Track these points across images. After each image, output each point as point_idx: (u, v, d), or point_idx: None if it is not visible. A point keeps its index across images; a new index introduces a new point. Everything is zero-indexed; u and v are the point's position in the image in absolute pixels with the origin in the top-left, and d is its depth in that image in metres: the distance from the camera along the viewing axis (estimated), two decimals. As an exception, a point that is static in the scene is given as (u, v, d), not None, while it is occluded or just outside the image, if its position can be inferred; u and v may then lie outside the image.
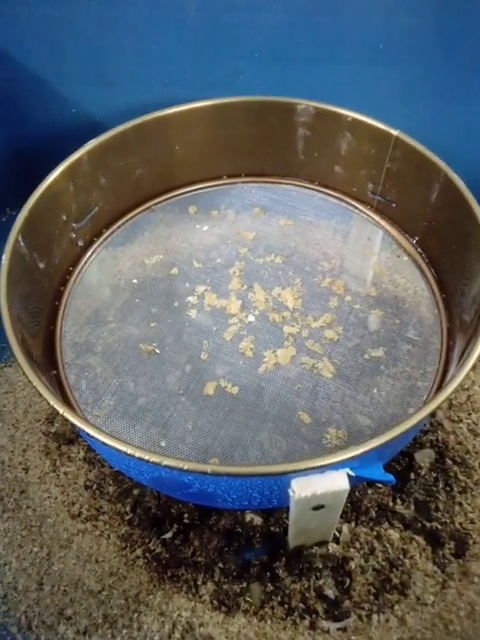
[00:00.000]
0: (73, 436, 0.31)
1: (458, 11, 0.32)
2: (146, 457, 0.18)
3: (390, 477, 0.22)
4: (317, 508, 0.21)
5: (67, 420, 0.20)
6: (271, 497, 0.21)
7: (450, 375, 0.26)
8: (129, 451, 0.18)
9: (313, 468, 0.18)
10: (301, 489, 0.19)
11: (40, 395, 0.21)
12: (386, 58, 0.34)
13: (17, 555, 0.28)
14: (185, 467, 0.18)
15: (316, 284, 0.30)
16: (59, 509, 0.29)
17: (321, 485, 0.19)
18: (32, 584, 0.28)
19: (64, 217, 0.28)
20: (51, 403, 0.20)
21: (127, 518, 0.29)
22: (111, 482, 0.30)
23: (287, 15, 0.33)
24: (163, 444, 0.24)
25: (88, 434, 0.19)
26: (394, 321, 0.29)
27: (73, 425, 0.25)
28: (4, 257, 0.23)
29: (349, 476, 0.20)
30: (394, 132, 0.28)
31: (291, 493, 0.19)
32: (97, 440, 0.19)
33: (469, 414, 0.33)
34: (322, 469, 0.19)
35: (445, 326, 0.29)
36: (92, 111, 0.38)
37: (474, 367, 0.34)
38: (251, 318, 0.28)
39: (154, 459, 0.18)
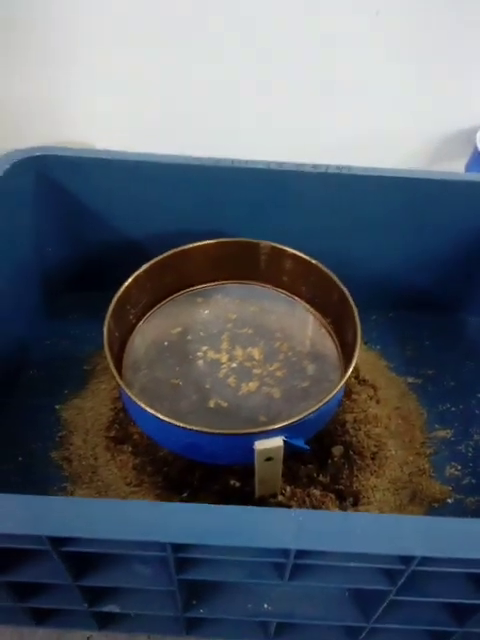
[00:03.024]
0: (124, 438, 0.50)
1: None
2: (176, 423, 0.38)
3: (307, 447, 0.42)
4: (268, 459, 0.40)
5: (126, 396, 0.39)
6: (244, 453, 0.41)
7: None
8: (168, 420, 0.38)
9: (265, 431, 0.38)
10: (260, 445, 0.39)
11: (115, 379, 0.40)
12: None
13: (92, 508, 0.46)
14: (194, 429, 0.37)
15: (272, 345, 0.51)
16: (118, 481, 0.47)
17: (269, 443, 0.39)
18: (101, 525, 0.46)
19: (128, 306, 0.49)
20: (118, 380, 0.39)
21: (159, 485, 0.47)
22: (149, 465, 0.48)
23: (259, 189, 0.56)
24: (186, 432, 0.44)
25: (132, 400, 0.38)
26: (316, 367, 0.50)
27: (127, 399, 0.43)
28: (105, 330, 0.43)
29: (284, 440, 0.39)
30: (313, 261, 0.51)
31: (255, 447, 0.39)
32: (138, 406, 0.38)
33: (365, 425, 0.53)
34: (270, 434, 0.39)
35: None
36: (131, 237, 0.61)
37: (373, 398, 0.56)
38: (234, 364, 0.49)
39: (182, 425, 0.38)
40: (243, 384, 0.47)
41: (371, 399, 0.55)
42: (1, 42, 0.69)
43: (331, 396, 0.41)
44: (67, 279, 0.64)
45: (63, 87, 0.74)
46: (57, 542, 0.27)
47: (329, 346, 0.51)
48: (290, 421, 0.39)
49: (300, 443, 0.41)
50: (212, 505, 0.27)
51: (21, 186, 0.54)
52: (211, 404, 0.46)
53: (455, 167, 0.81)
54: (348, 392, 0.55)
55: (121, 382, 0.40)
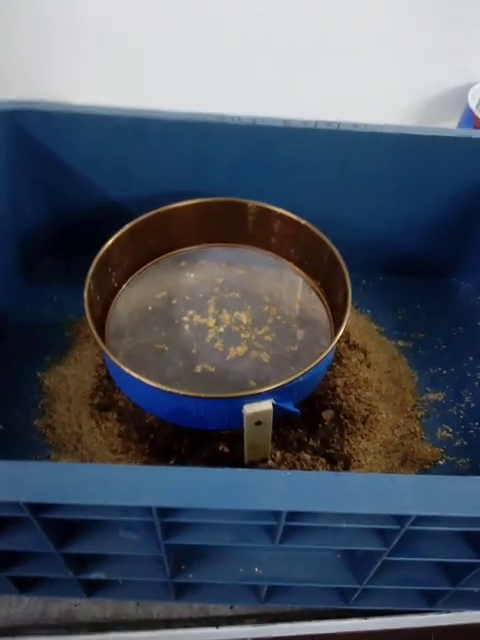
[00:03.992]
0: (109, 404, 0.49)
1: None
2: (163, 388, 0.36)
3: (296, 410, 0.41)
4: (257, 423, 0.39)
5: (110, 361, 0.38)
6: (232, 418, 0.39)
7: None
8: (155, 385, 0.36)
9: (255, 395, 0.37)
10: (249, 409, 0.37)
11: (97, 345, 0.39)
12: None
13: (77, 476, 0.45)
14: (181, 393, 0.36)
15: (260, 310, 0.49)
16: (103, 449, 0.46)
17: (258, 407, 0.38)
18: (87, 493, 0.45)
19: (109, 269, 0.47)
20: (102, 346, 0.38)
21: (146, 452, 0.46)
22: (135, 432, 0.47)
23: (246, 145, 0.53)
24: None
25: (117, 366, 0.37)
26: (306, 332, 0.48)
27: (112, 366, 0.41)
28: (85, 292, 0.41)
29: (273, 404, 0.38)
30: (302, 222, 0.49)
31: (244, 411, 0.37)
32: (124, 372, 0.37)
33: (356, 389, 0.52)
34: (259, 397, 0.37)
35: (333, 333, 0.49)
36: (114, 196, 0.58)
37: (363, 362, 0.55)
38: (221, 329, 0.47)
39: (168, 389, 0.36)
40: (231, 348, 0.46)
41: (361, 363, 0.54)
42: None
43: (321, 359, 0.39)
44: (46, 242, 0.61)
45: (40, 39, 0.69)
46: (37, 508, 0.26)
47: (319, 310, 0.50)
48: (279, 384, 0.37)
49: (290, 406, 0.40)
50: (199, 468, 0.26)
51: (-7, 143, 0.50)
52: (198, 369, 0.44)
53: (448, 126, 0.79)
54: (338, 356, 0.54)
55: (104, 347, 0.39)
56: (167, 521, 0.27)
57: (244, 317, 0.48)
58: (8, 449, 0.46)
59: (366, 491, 0.26)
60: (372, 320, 0.60)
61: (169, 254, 0.52)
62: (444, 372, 0.56)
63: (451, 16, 0.70)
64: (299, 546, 0.29)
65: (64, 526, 0.30)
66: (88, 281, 0.42)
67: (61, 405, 0.49)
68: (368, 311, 0.61)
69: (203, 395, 0.36)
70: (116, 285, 0.49)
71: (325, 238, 0.47)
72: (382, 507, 0.26)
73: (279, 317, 0.48)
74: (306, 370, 0.38)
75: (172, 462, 0.45)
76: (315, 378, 0.43)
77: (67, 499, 0.24)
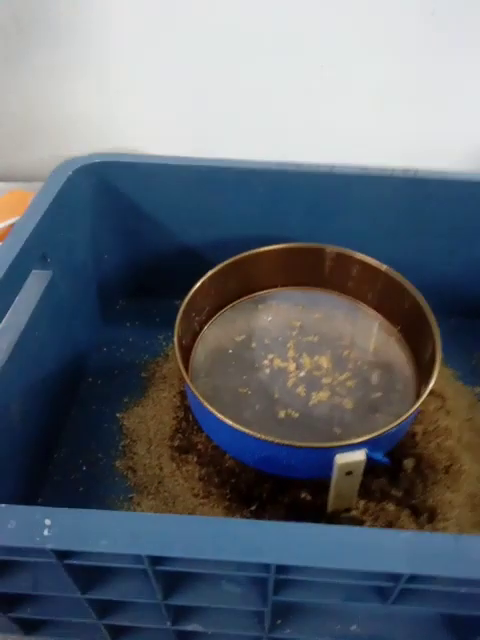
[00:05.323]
0: (189, 447, 0.49)
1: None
2: (257, 435, 0.36)
3: (387, 460, 0.40)
4: (348, 474, 0.38)
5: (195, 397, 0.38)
6: (322, 467, 0.39)
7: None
8: (250, 433, 0.37)
9: (349, 445, 0.37)
10: (341, 459, 0.37)
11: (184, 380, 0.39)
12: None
13: (159, 520, 0.45)
14: (275, 441, 0.36)
15: (339, 354, 0.49)
16: (185, 492, 0.46)
17: (351, 457, 0.37)
18: (169, 537, 0.45)
19: (193, 314, 0.48)
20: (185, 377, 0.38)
21: (227, 497, 0.46)
22: (215, 476, 0.47)
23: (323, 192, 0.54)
24: (258, 444, 0.43)
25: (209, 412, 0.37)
26: (386, 377, 0.48)
27: (200, 411, 0.42)
28: (175, 340, 0.43)
29: (366, 454, 0.38)
30: (383, 268, 0.49)
31: (336, 461, 0.37)
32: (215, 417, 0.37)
33: (437, 437, 0.51)
34: (351, 448, 0.37)
35: (416, 380, 0.48)
36: (191, 242, 0.60)
37: (442, 409, 0.54)
38: (302, 374, 0.47)
39: (263, 437, 0.36)
40: (313, 394, 0.46)
41: (440, 410, 0.53)
42: (45, 58, 0.69)
43: (414, 408, 0.39)
44: (123, 286, 0.64)
45: (108, 97, 0.74)
46: (155, 561, 0.26)
47: (398, 355, 0.49)
48: (374, 434, 0.37)
49: (380, 456, 0.39)
50: (318, 525, 0.25)
51: (81, 193, 0.53)
52: (282, 414, 0.44)
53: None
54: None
55: (196, 392, 0.39)
56: (281, 578, 0.27)
57: (324, 361, 0.48)
58: (92, 490, 0.47)
59: (491, 556, 0.25)
60: (447, 365, 0.59)
61: (246, 297, 0.53)
62: (526, 419, 0.54)
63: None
64: (411, 607, 0.28)
65: (171, 577, 0.30)
66: (177, 326, 0.43)
67: (141, 447, 0.50)
68: (443, 355, 0.60)
69: (298, 444, 0.36)
70: (197, 328, 0.50)
71: (408, 284, 0.47)
72: (508, 574, 0.25)
73: (359, 362, 0.48)
74: (401, 420, 0.38)
75: (253, 508, 0.45)
76: (404, 428, 0.42)
77: (191, 553, 0.25)
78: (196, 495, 0.46)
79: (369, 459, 0.38)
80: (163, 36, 0.68)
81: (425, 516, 0.45)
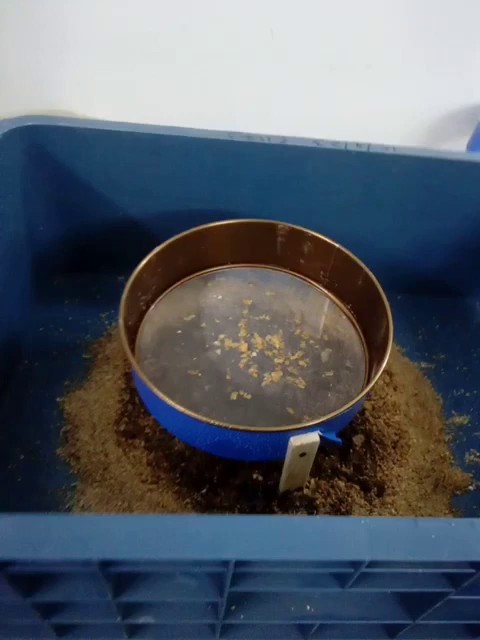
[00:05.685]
0: (135, 431, 0.47)
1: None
2: (209, 421, 0.35)
3: (339, 440, 0.40)
4: (302, 455, 0.38)
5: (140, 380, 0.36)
6: (276, 449, 0.38)
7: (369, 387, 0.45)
8: (203, 419, 0.35)
9: (303, 428, 0.36)
10: (296, 441, 0.36)
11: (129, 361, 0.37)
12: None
13: (107, 508, 0.43)
14: (230, 427, 0.35)
15: (291, 333, 0.48)
16: (133, 478, 0.44)
17: (305, 439, 0.37)
18: (117, 526, 0.43)
19: (139, 293, 0.45)
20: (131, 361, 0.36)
21: (177, 481, 0.44)
22: (164, 460, 0.45)
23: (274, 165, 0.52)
24: (210, 427, 0.41)
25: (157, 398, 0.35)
26: (337, 355, 0.48)
27: (149, 396, 0.40)
28: (120, 322, 0.40)
29: (319, 435, 0.37)
30: (336, 245, 0.48)
31: (290, 443, 0.36)
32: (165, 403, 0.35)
33: (385, 413, 0.52)
34: (305, 430, 0.36)
35: (367, 358, 0.48)
36: (133, 215, 0.56)
37: (390, 384, 0.54)
38: (254, 354, 0.46)
39: (216, 423, 0.35)
40: (266, 375, 0.45)
41: (388, 386, 0.54)
42: None
43: (366, 390, 0.39)
44: (60, 260, 0.59)
45: (54, 54, 0.67)
46: (105, 564, 0.24)
47: (349, 333, 0.49)
48: (328, 416, 0.37)
49: (333, 437, 0.39)
50: (276, 517, 0.24)
51: (10, 159, 0.48)
52: (234, 396, 0.43)
53: (457, 144, 0.80)
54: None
55: (143, 376, 0.37)
56: (240, 571, 0.25)
57: (276, 341, 0.47)
58: (31, 480, 0.44)
59: (447, 538, 0.25)
60: (394, 341, 0.60)
61: (196, 274, 0.51)
62: (467, 394, 0.56)
63: (461, 35, 0.71)
64: (369, 590, 0.28)
65: (121, 575, 0.28)
66: (122, 309, 0.40)
67: (85, 433, 0.47)
68: (389, 331, 0.61)
69: (253, 429, 0.35)
70: (144, 307, 0.47)
71: (359, 262, 0.47)
72: (464, 554, 0.25)
73: (311, 340, 0.48)
74: (354, 402, 0.38)
75: (204, 491, 0.44)
76: (356, 407, 0.42)
77: (144, 555, 0.23)
78: (144, 481, 0.44)
79: (322, 440, 0.38)
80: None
81: (374, 490, 0.46)
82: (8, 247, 0.51)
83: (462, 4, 0.68)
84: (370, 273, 0.46)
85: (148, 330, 0.47)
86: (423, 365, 0.58)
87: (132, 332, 0.46)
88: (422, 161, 0.52)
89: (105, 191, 0.54)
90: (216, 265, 0.52)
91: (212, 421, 0.35)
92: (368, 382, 0.46)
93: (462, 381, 0.57)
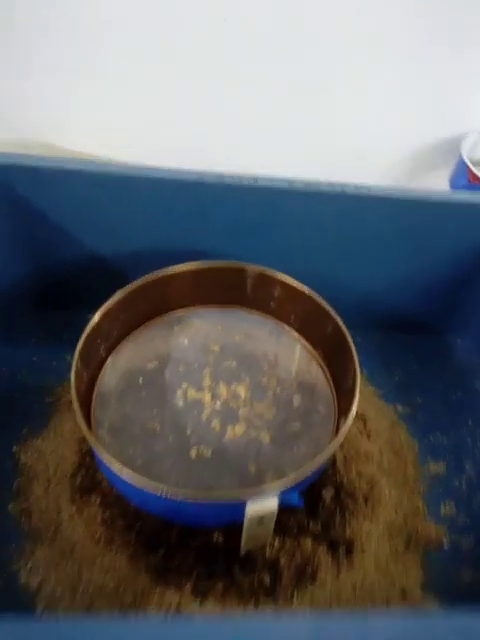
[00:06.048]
0: (91, 486, 0.45)
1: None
2: (156, 490, 0.33)
3: (301, 503, 0.38)
4: (260, 521, 0.36)
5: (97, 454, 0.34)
6: (233, 514, 0.36)
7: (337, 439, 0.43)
8: (148, 487, 0.33)
9: (259, 493, 0.34)
10: (252, 509, 0.34)
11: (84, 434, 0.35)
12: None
13: (56, 572, 0.41)
14: (194, 498, 0.33)
15: (258, 380, 0.46)
16: (85, 539, 0.42)
17: (262, 506, 0.34)
18: (67, 590, 0.40)
19: (98, 340, 0.43)
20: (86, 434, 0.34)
21: (132, 543, 0.42)
22: (120, 519, 0.43)
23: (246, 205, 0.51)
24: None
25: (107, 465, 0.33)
26: (307, 403, 0.46)
27: (100, 459, 0.38)
28: (72, 375, 0.38)
29: (278, 499, 0.35)
30: (305, 290, 0.46)
31: (246, 511, 0.34)
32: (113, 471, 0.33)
33: (356, 463, 0.49)
34: (263, 494, 0.34)
35: (336, 407, 0.46)
36: (103, 253, 0.54)
37: (363, 432, 0.52)
38: (218, 405, 0.44)
39: (163, 491, 0.33)
40: (228, 427, 0.42)
41: (361, 434, 0.51)
42: None
43: (332, 449, 0.37)
44: (26, 299, 0.57)
45: (31, 79, 0.66)
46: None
47: (320, 380, 0.47)
48: (287, 480, 0.34)
49: (295, 500, 0.37)
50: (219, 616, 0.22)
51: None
52: (193, 453, 0.41)
53: (438, 177, 0.79)
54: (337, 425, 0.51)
55: (92, 439, 0.35)
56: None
57: (242, 390, 0.45)
58: (-22, 540, 0.42)
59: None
60: (369, 382, 0.58)
61: (162, 317, 0.49)
62: (444, 440, 0.54)
63: (441, 67, 0.70)
64: None
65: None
66: (75, 362, 0.38)
67: (39, 486, 0.44)
68: (365, 371, 0.59)
69: (202, 498, 0.33)
70: (104, 355, 0.45)
71: (329, 308, 0.45)
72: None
73: (278, 389, 0.45)
74: (316, 463, 0.36)
75: (161, 553, 0.41)
76: (322, 466, 0.40)
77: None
78: (97, 542, 0.41)
79: (282, 504, 0.36)
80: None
81: (342, 549, 0.44)
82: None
83: (446, 32, 0.67)
84: (339, 320, 0.44)
85: (111, 378, 0.45)
86: (399, 408, 0.56)
87: (90, 380, 0.44)
88: (398, 202, 0.50)
89: (73, 229, 0.52)
90: (183, 306, 0.50)
91: (158, 488, 0.33)
92: (336, 435, 0.44)
93: (439, 425, 0.55)
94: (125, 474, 0.33)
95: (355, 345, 0.61)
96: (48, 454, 0.46)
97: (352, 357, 0.42)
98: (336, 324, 0.44)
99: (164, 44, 0.64)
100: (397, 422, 0.55)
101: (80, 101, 0.69)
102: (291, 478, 0.34)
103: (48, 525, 0.42)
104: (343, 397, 0.44)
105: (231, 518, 0.36)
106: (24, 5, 0.59)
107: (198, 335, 0.49)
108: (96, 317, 0.41)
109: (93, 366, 0.43)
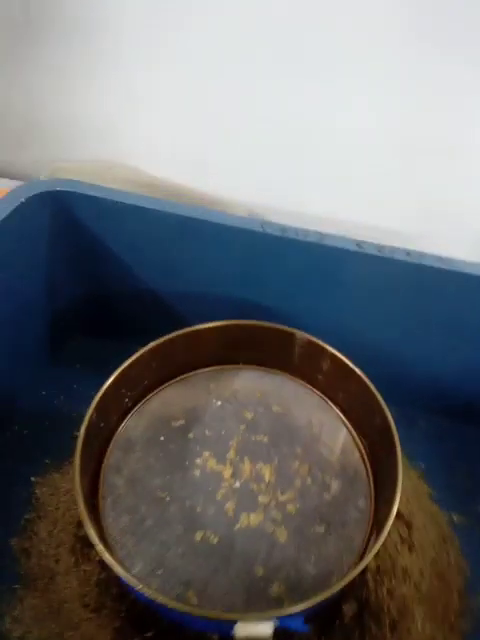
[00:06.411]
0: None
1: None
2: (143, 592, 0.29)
3: (305, 628, 0.32)
4: (252, 643, 0.31)
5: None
6: (221, 628, 0.32)
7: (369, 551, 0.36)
8: (137, 585, 0.30)
9: (254, 618, 0.29)
10: (240, 631, 0.29)
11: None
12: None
13: (39, 628, 0.39)
14: (166, 602, 0.29)
15: (287, 466, 0.41)
16: (75, 598, 0.39)
17: (253, 630, 0.29)
18: (46, 652, 0.38)
19: (123, 390, 0.41)
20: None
21: (122, 615, 0.38)
22: (115, 585, 0.40)
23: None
24: (159, 572, 0.35)
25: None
26: (341, 498, 0.40)
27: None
28: (82, 429, 0.35)
29: (274, 625, 0.30)
30: (356, 371, 0.41)
31: (234, 632, 0.29)
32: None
33: (390, 579, 0.42)
34: (257, 620, 0.29)
35: (373, 507, 0.39)
36: (158, 290, 0.53)
37: (405, 541, 0.45)
38: (237, 484, 0.40)
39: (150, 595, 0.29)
40: (243, 515, 0.38)
41: (403, 543, 0.44)
42: (58, 59, 0.63)
43: (352, 575, 0.31)
44: (80, 322, 0.57)
45: (113, 104, 0.67)
46: None
47: (360, 473, 0.41)
48: (288, 609, 0.29)
49: (298, 626, 0.31)
50: None
51: (35, 219, 0.47)
52: (198, 537, 0.37)
53: None
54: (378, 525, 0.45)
55: (90, 528, 0.32)
56: None
57: (267, 472, 0.40)
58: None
59: None
60: (424, 479, 0.50)
61: (200, 370, 0.46)
62: (505, 568, 0.45)
63: None
64: None
65: None
66: (88, 416, 0.36)
67: (45, 528, 0.43)
68: (422, 465, 0.51)
69: (181, 609, 0.29)
70: (129, 404, 0.43)
71: (379, 398, 0.39)
72: None
73: (309, 480, 0.40)
74: (326, 594, 0.30)
75: (149, 635, 0.38)
76: (335, 594, 0.34)
77: None
78: (86, 605, 0.39)
79: (282, 627, 0.31)
80: (178, 52, 0.60)
81: (353, 684, 0.37)
82: (25, 305, 0.50)
83: None
84: (388, 413, 0.38)
85: (132, 427, 0.42)
86: (455, 518, 0.48)
87: (111, 429, 0.41)
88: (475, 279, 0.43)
89: (130, 262, 0.51)
90: (224, 363, 0.46)
91: (140, 586, 0.29)
92: (364, 553, 0.38)
93: (503, 547, 0.46)
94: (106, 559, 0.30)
95: (416, 430, 0.54)
96: (62, 493, 0.45)
97: (396, 462, 0.36)
98: (384, 416, 0.38)
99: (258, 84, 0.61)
100: (449, 535, 0.47)
101: (171, 131, 0.69)
102: (292, 608, 0.29)
103: (44, 573, 0.40)
104: (383, 504, 0.38)
105: (219, 630, 0.32)
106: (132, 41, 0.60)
107: (234, 398, 0.45)
108: (121, 367, 0.39)
109: (116, 414, 0.41)
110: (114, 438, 0.41)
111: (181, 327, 0.44)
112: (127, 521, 0.37)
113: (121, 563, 0.33)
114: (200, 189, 0.71)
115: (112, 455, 0.40)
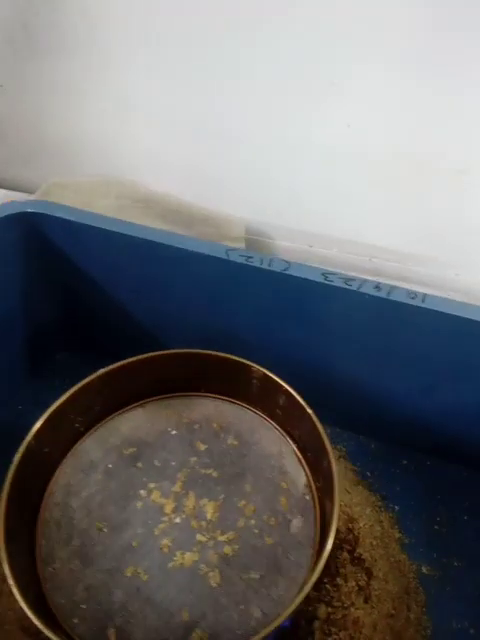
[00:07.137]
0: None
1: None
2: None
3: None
4: None
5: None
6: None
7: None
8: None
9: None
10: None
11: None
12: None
13: (-24, 648, 0.39)
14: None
15: (234, 503, 0.39)
16: (13, 621, 0.40)
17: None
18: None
19: (72, 416, 0.41)
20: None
21: (57, 643, 0.39)
22: (55, 610, 0.40)
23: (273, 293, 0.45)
24: (83, 606, 0.35)
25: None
26: (283, 543, 0.38)
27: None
28: (16, 457, 0.36)
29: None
30: (308, 411, 0.39)
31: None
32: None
33: (340, 632, 0.40)
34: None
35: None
36: (130, 310, 0.53)
37: (363, 591, 0.43)
38: (178, 520, 0.38)
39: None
40: (178, 553, 0.37)
41: (360, 592, 0.42)
42: (60, 75, 0.64)
43: (287, 613, 0.29)
44: (58, 337, 0.58)
45: (116, 121, 0.68)
46: None
47: (308, 520, 0.39)
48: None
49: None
50: None
51: (7, 241, 0.48)
52: (128, 572, 0.36)
53: None
54: (333, 571, 0.43)
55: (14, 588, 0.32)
56: None
57: (210, 509, 0.39)
58: None
59: None
60: (396, 523, 0.48)
61: (157, 397, 0.45)
62: (471, 631, 0.42)
63: None
64: None
65: None
66: (26, 442, 0.36)
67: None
68: (396, 508, 0.49)
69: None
70: (82, 430, 0.42)
71: (326, 442, 0.37)
72: None
73: (253, 522, 0.39)
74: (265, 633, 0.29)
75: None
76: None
77: None
78: (25, 629, 0.39)
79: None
80: (176, 69, 0.60)
81: None
82: (1, 320, 0.51)
83: None
84: (331, 455, 0.36)
85: (82, 453, 0.42)
86: (424, 569, 0.45)
87: (62, 451, 0.41)
88: (456, 320, 0.40)
89: (102, 283, 0.51)
90: (186, 391, 0.45)
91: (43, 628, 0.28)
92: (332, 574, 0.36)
93: (474, 605, 0.43)
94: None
95: (397, 467, 0.51)
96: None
97: (333, 511, 0.34)
98: (329, 461, 0.36)
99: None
100: (414, 588, 0.44)
101: (168, 146, 0.69)
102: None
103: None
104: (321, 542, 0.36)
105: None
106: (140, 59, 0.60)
107: (190, 428, 0.44)
108: (66, 394, 0.39)
109: (65, 440, 0.41)
110: (61, 464, 0.41)
111: (153, 348, 0.43)
112: (61, 550, 0.37)
113: (42, 598, 0.33)
114: (197, 204, 0.71)
115: (56, 481, 0.40)
